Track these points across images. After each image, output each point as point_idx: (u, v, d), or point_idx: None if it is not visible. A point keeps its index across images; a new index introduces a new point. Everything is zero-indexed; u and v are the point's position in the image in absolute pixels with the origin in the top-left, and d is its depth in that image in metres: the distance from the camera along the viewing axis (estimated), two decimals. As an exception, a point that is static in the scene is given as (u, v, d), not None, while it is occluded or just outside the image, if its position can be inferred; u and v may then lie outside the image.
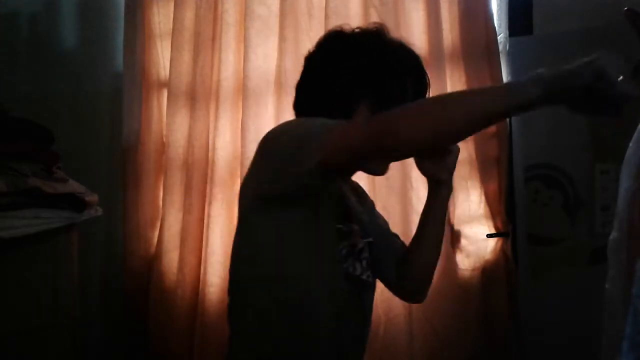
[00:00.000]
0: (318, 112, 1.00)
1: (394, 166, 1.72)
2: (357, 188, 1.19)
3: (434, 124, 0.83)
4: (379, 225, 1.19)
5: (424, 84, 1.09)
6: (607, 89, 0.76)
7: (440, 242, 1.14)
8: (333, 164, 0.88)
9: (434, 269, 1.15)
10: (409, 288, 1.19)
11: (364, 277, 1.06)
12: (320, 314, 0.99)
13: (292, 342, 0.99)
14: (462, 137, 0.94)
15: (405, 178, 1.72)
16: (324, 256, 1.00)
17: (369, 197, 1.23)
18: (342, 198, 1.07)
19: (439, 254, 1.15)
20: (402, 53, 1.07)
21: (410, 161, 1.72)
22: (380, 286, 1.73)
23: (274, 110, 1.78)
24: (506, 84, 1.00)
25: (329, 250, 1.00)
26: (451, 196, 1.25)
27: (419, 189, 1.71)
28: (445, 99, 0.95)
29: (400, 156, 1.06)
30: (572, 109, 0.81)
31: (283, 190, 0.94)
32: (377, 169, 1.09)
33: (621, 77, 0.76)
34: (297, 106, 1.09)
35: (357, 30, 1.08)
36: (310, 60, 1.08)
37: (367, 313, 1.11)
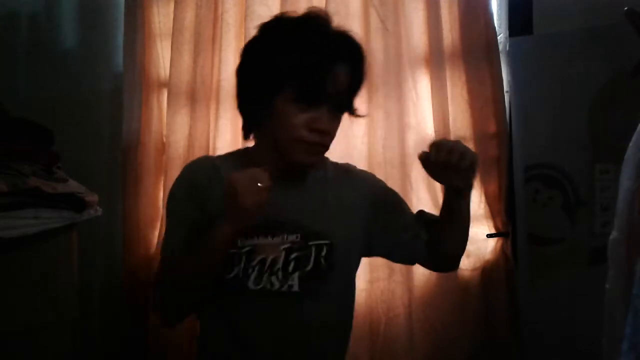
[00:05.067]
0: (243, 104, 1.08)
1: (394, 166, 1.73)
2: (322, 179, 1.12)
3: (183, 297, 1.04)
4: (384, 216, 1.13)
5: (329, 52, 1.01)
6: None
7: (468, 228, 1.11)
8: None
9: (466, 244, 1.13)
10: (442, 264, 1.20)
11: (285, 288, 1.02)
12: (242, 339, 1.04)
13: None
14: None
15: (405, 178, 1.72)
16: (220, 287, 1.04)
17: (360, 185, 1.16)
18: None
19: (467, 236, 1.12)
20: (303, 32, 1.02)
21: (411, 161, 1.74)
22: (380, 286, 1.75)
23: (274, 110, 1.78)
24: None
25: (227, 279, 1.03)
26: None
27: (419, 189, 1.71)
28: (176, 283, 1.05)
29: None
30: None
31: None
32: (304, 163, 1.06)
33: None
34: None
35: (271, 19, 1.09)
36: (243, 49, 1.11)
37: (312, 320, 1.05)
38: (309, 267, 1.03)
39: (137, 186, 1.92)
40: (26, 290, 1.37)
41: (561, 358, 1.64)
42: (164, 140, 1.95)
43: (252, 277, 1.02)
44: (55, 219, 1.42)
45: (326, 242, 1.05)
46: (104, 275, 2.03)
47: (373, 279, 1.75)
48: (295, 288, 1.03)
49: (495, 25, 1.78)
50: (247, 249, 1.02)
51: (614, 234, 0.97)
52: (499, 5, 1.86)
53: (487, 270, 1.78)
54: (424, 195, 1.70)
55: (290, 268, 1.03)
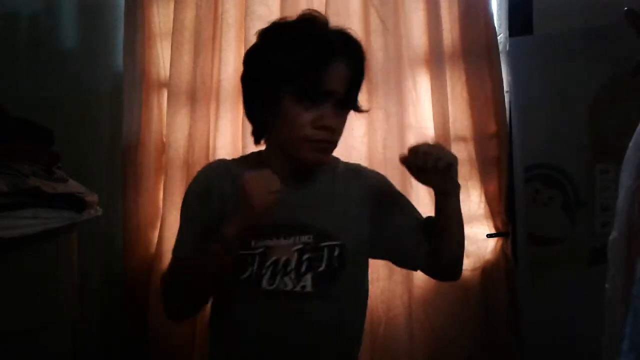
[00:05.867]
0: (250, 107, 1.11)
1: (394, 166, 1.72)
2: (327, 181, 1.13)
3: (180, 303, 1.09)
4: (389, 219, 1.14)
5: (326, 54, 1.01)
6: None
7: (463, 233, 1.13)
8: None
9: (462, 252, 1.15)
10: (441, 272, 1.20)
11: (298, 289, 1.03)
12: (254, 340, 1.06)
13: None
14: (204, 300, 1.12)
15: (405, 178, 1.72)
16: (235, 289, 1.07)
17: (369, 186, 1.16)
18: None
19: (464, 241, 1.14)
20: (302, 34, 1.02)
21: (410, 161, 1.73)
22: (380, 286, 1.75)
23: (274, 110, 1.78)
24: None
25: (241, 281, 1.05)
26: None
27: (419, 189, 1.71)
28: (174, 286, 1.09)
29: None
30: None
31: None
32: (311, 161, 1.06)
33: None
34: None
35: (270, 25, 1.09)
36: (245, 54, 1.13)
37: (325, 320, 1.06)
38: (321, 268, 1.04)
39: (137, 186, 1.92)
40: (26, 290, 1.37)
41: (561, 358, 1.64)
42: (164, 140, 1.95)
43: (266, 277, 1.03)
44: (55, 219, 1.42)
45: (338, 242, 1.06)
46: (104, 275, 2.03)
47: (373, 279, 1.75)
48: (308, 288, 1.04)
49: (495, 25, 1.78)
50: (260, 250, 1.04)
51: (614, 234, 0.97)
52: (499, 5, 1.86)
53: (487, 270, 1.78)
54: (424, 195, 1.70)
55: (303, 269, 1.04)
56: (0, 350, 1.30)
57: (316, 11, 1.08)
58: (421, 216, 1.19)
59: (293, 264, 1.04)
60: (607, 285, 0.98)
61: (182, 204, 1.13)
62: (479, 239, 1.79)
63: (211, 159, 1.82)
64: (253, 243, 1.04)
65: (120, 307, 1.95)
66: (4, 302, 1.32)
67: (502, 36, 1.81)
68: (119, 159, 1.95)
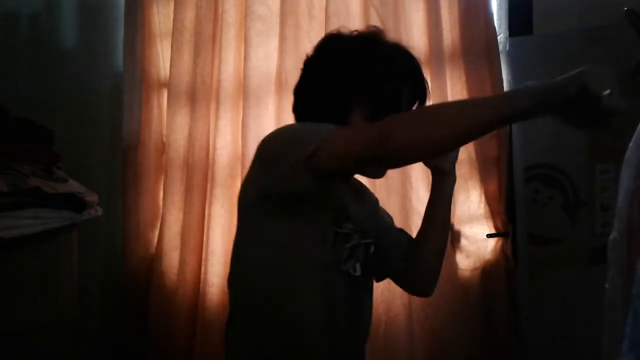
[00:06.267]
0: (315, 116, 1.03)
1: (394, 166, 1.73)
2: (358, 186, 1.19)
3: (433, 133, 0.84)
4: (384, 222, 1.19)
5: (422, 89, 1.08)
6: (591, 103, 0.76)
7: (447, 233, 1.16)
8: (331, 168, 0.89)
9: (442, 260, 1.17)
10: (418, 280, 1.20)
11: (362, 278, 1.06)
12: (313, 321, 1.01)
13: (287, 346, 1.01)
14: (458, 145, 0.99)
15: (405, 178, 1.72)
16: (318, 261, 1.01)
17: (371, 194, 1.23)
18: (341, 199, 1.07)
19: (445, 245, 1.17)
20: (398, 58, 1.06)
21: (410, 161, 1.74)
22: (380, 286, 1.75)
23: (275, 111, 1.78)
24: (500, 94, 1.02)
25: (325, 255, 1.01)
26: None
27: (419, 189, 1.71)
28: (443, 109, 0.97)
29: (400, 164, 1.10)
30: (563, 120, 0.82)
31: (279, 190, 0.95)
32: (376, 172, 1.11)
33: (608, 91, 0.75)
34: (296, 110, 1.11)
35: (354, 33, 1.08)
36: (308, 64, 1.10)
37: (366, 314, 1.12)
38: (367, 262, 1.07)
39: (137, 186, 1.92)
40: (26, 290, 1.37)
41: (561, 358, 1.64)
42: (164, 140, 1.95)
43: (344, 259, 1.03)
44: (55, 219, 1.42)
45: (372, 241, 1.09)
46: (104, 275, 2.03)
47: (373, 279, 1.76)
48: (368, 279, 1.10)
49: (495, 25, 1.78)
50: (345, 231, 1.04)
51: (614, 234, 0.97)
52: (499, 5, 1.86)
53: (487, 270, 1.78)
54: (424, 195, 1.70)
55: (362, 259, 1.07)
56: (0, 350, 1.30)
57: (380, 29, 1.10)
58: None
59: (361, 253, 1.06)
60: (607, 285, 0.98)
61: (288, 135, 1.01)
62: (479, 239, 1.79)
63: (211, 159, 1.82)
64: (340, 227, 1.04)
65: (120, 307, 1.95)
66: (4, 302, 1.32)
67: (502, 36, 1.81)
68: (119, 159, 1.95)
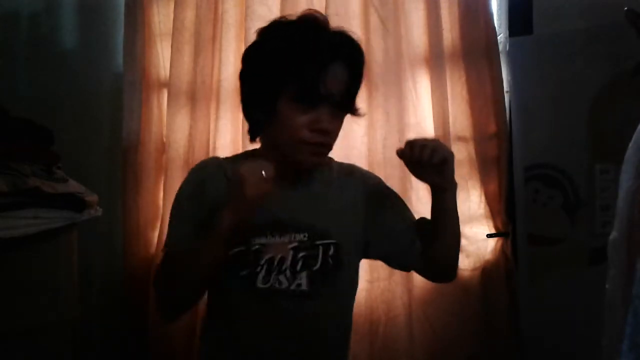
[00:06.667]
0: (246, 112, 1.11)
1: (394, 166, 1.73)
2: (328, 181, 1.13)
3: (176, 295, 1.04)
4: (386, 227, 1.13)
5: (323, 52, 1.01)
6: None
7: (459, 231, 1.10)
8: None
9: (458, 253, 1.13)
10: (435, 277, 1.22)
11: (293, 287, 1.03)
12: (253, 345, 1.05)
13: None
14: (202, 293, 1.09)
15: (405, 178, 1.72)
16: (233, 289, 1.05)
17: (362, 194, 1.14)
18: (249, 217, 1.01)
19: (459, 242, 1.12)
20: (298, 37, 1.02)
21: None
22: (380, 286, 1.75)
23: (274, 111, 1.78)
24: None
25: (236, 281, 1.04)
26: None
27: (419, 188, 1.71)
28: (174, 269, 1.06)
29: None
30: None
31: None
32: (304, 163, 1.06)
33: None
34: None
35: (269, 23, 1.08)
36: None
37: (318, 319, 1.07)
38: (316, 267, 1.04)
39: (137, 186, 1.92)
40: (26, 290, 1.37)
41: (561, 358, 1.64)
42: (164, 140, 1.95)
43: (261, 275, 1.02)
44: (55, 219, 1.42)
45: (333, 241, 1.06)
46: (104, 275, 2.03)
47: (373, 279, 1.75)
48: (304, 287, 1.04)
49: (495, 25, 1.78)
50: (255, 247, 1.03)
51: (614, 234, 0.97)
52: (499, 5, 1.86)
53: (487, 270, 1.78)
54: (423, 195, 1.70)
55: (299, 267, 1.04)
56: (0, 350, 1.30)
57: (317, 11, 1.08)
58: (414, 217, 1.18)
59: (288, 262, 1.03)
60: (607, 285, 0.98)
61: (175, 200, 1.11)
62: (479, 239, 1.79)
63: (211, 159, 1.82)
64: (247, 241, 1.03)
65: (120, 307, 1.95)
66: (4, 302, 1.32)
67: (502, 36, 1.82)
68: (119, 159, 1.95)
